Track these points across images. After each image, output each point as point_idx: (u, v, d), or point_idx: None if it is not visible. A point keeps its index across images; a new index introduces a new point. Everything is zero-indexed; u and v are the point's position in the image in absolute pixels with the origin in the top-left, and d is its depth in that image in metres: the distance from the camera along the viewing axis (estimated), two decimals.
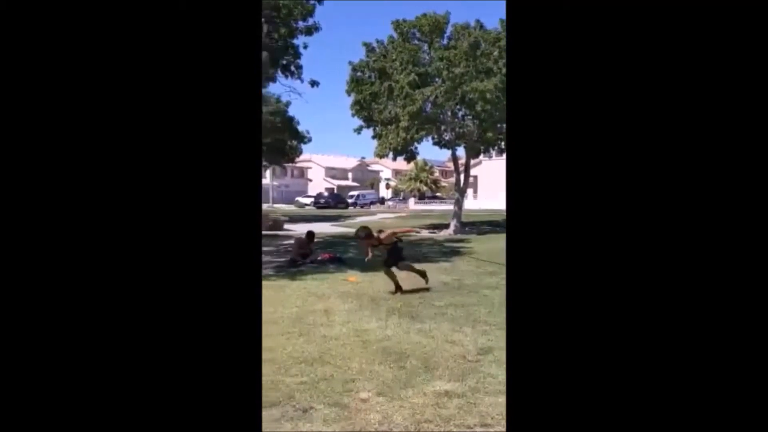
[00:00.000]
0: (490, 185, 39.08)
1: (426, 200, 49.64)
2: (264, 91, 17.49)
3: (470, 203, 21.76)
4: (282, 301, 6.10)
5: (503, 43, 15.55)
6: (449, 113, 17.35)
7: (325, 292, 6.58)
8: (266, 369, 3.58)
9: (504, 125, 16.10)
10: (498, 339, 4.19)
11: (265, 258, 11.21)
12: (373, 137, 18.15)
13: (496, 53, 15.98)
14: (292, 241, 12.12)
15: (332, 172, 62.83)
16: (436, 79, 16.54)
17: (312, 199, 46.50)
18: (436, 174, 58.48)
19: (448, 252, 11.70)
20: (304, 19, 12.73)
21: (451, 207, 21.89)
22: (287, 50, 12.78)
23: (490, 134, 17.20)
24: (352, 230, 16.93)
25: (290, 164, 34.28)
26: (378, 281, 7.04)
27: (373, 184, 62.45)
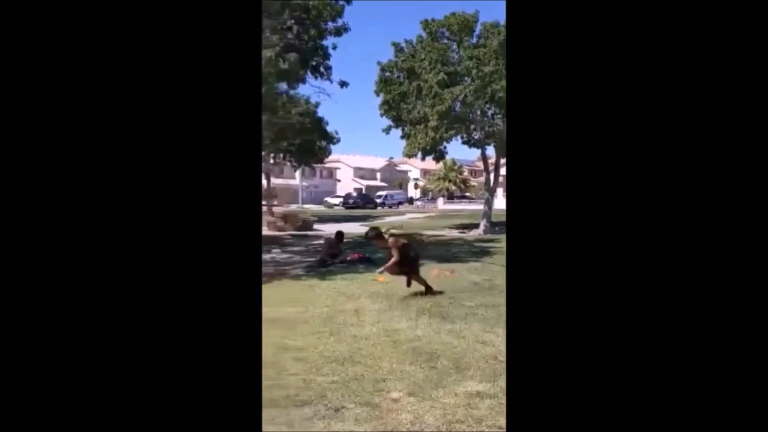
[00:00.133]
0: None
1: (455, 200, 49.40)
2: (293, 92, 17.64)
3: (500, 203, 21.53)
4: (312, 300, 6.15)
5: None
6: (479, 112, 17.24)
7: (355, 292, 6.60)
8: (298, 368, 3.61)
9: None
10: None
11: (294, 258, 11.31)
12: (402, 137, 18.14)
13: None
14: (321, 241, 12.20)
15: (361, 173, 63.02)
16: (465, 78, 16.44)
17: (341, 200, 46.71)
18: (465, 173, 58.14)
19: (478, 252, 11.63)
20: (334, 20, 12.77)
21: (480, 207, 21.74)
22: (317, 51, 12.84)
23: None
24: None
25: (319, 165, 34.46)
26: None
27: (402, 184, 62.43)
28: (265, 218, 20.82)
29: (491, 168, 18.73)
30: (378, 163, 66.51)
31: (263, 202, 19.82)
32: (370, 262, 9.48)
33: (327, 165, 49.69)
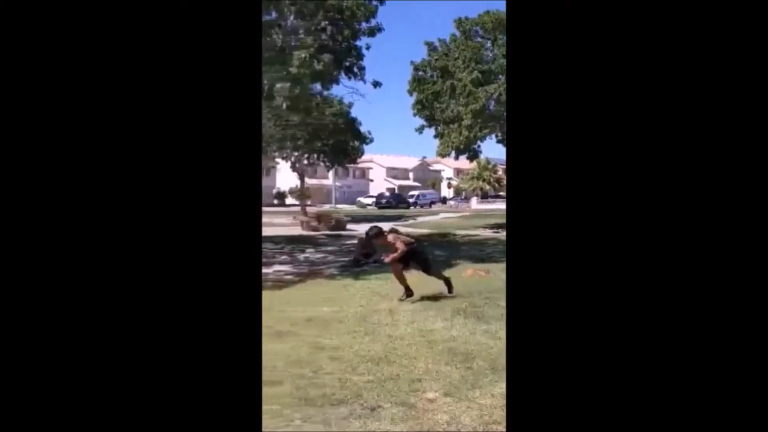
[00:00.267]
0: None
1: (489, 199, 48.94)
2: (327, 93, 17.77)
3: None
4: (346, 300, 6.17)
5: None
6: None
7: (389, 291, 6.59)
8: (333, 367, 3.63)
9: None
10: None
11: (328, 257, 11.39)
12: (435, 136, 18.10)
13: None
14: (355, 241, 12.25)
15: (393, 172, 63.04)
16: (500, 77, 16.30)
17: (373, 200, 46.82)
18: (500, 172, 57.46)
19: None
20: (367, 21, 12.79)
21: None
22: (350, 52, 12.89)
23: None
24: (416, 230, 16.97)
25: (352, 165, 34.60)
26: (442, 282, 6.98)
27: (435, 184, 62.20)
28: (299, 218, 21.02)
29: None
30: (411, 162, 66.42)
31: (297, 202, 19.99)
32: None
33: (360, 165, 49.84)
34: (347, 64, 12.95)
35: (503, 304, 5.67)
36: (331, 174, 43.47)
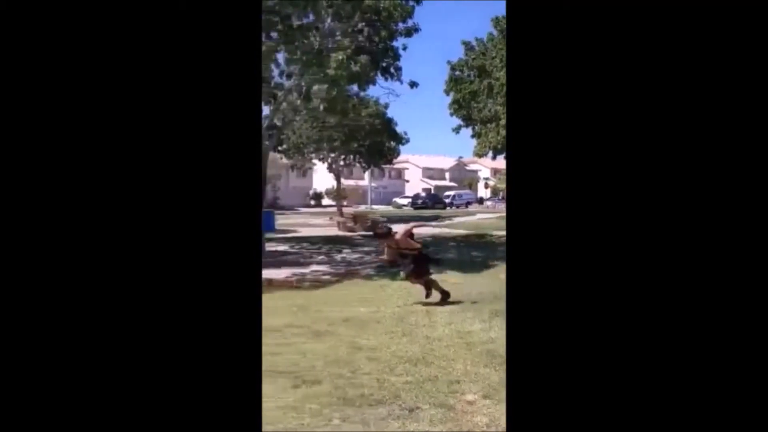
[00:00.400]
0: None
1: None
2: (363, 94, 17.84)
3: None
4: (383, 300, 6.18)
5: None
6: None
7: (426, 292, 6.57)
8: (371, 367, 3.64)
9: None
10: None
11: (365, 258, 11.42)
12: (472, 136, 17.98)
13: None
14: None
15: (429, 173, 62.86)
16: None
17: (409, 200, 46.77)
18: None
19: None
20: (404, 21, 12.77)
21: None
22: (387, 53, 12.89)
23: None
24: (453, 231, 16.86)
25: (388, 165, 34.66)
26: (479, 283, 6.93)
27: (471, 184, 61.76)
28: (335, 218, 21.18)
29: None
30: (447, 163, 66.13)
31: (333, 203, 20.13)
32: (439, 264, 9.41)
33: (396, 165, 49.92)
34: (384, 64, 12.96)
35: None
36: (367, 175, 43.64)
